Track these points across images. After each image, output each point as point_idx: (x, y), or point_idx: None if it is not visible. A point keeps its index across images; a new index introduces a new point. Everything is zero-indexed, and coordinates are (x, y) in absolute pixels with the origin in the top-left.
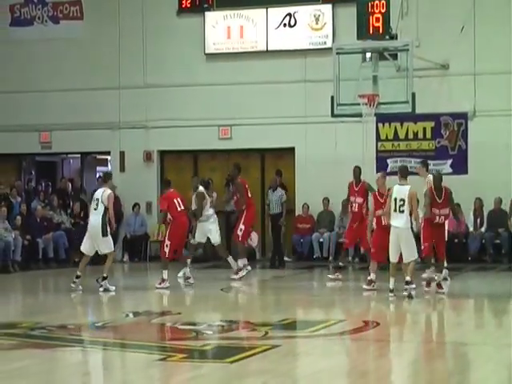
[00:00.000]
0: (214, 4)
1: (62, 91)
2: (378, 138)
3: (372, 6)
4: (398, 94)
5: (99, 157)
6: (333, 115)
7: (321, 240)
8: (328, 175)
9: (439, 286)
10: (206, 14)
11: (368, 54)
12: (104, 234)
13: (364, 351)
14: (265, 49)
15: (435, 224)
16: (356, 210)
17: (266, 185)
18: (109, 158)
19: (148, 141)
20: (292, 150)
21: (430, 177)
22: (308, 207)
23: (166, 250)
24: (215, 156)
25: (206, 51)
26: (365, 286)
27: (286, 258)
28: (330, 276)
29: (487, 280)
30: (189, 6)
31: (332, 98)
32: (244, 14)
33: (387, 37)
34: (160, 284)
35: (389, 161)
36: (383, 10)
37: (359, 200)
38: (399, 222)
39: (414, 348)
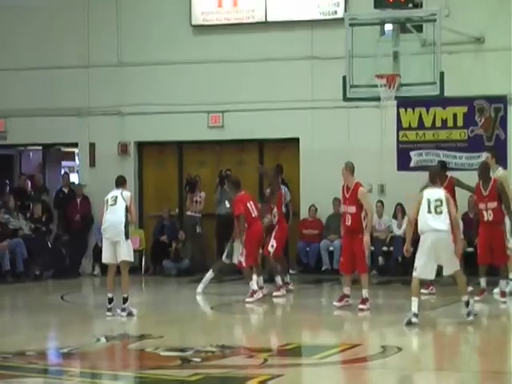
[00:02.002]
0: None
1: (17, 70)
2: (400, 127)
3: None
4: (423, 74)
5: (65, 149)
6: (345, 99)
7: (330, 249)
8: (339, 171)
9: (502, 294)
10: None
11: (387, 26)
12: (127, 235)
13: (383, 382)
14: (263, 19)
15: (486, 223)
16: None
17: (264, 182)
18: (76, 150)
19: (123, 130)
20: (296, 140)
21: (501, 170)
22: (315, 209)
23: (242, 259)
24: (204, 148)
25: (193, 22)
26: (335, 303)
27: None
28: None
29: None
30: None
31: (344, 78)
32: None
33: (410, 5)
34: (251, 296)
35: (412, 154)
36: None
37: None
38: (439, 224)
39: (442, 378)
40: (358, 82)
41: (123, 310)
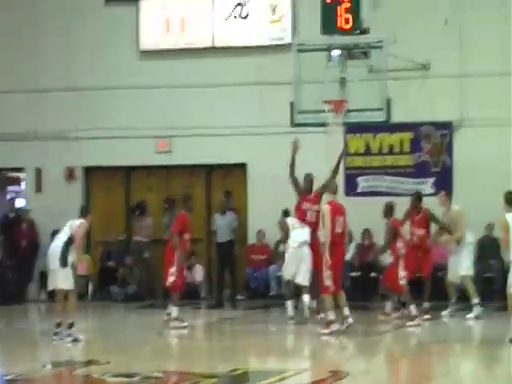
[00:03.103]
0: None
1: None
2: (347, 152)
3: None
4: (370, 100)
5: (10, 174)
6: (292, 124)
7: (279, 274)
8: (286, 196)
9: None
10: (141, 1)
11: (335, 52)
12: (63, 263)
13: None
14: (211, 45)
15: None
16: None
17: (212, 207)
18: (22, 175)
19: (70, 155)
20: (243, 166)
21: (456, 206)
22: (263, 234)
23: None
24: (151, 173)
25: (141, 47)
26: (324, 331)
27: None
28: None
29: (476, 321)
30: None
31: (291, 103)
32: (186, 3)
33: (357, 31)
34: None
35: (359, 179)
36: None
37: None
38: None
39: None
40: (306, 107)
41: (69, 335)
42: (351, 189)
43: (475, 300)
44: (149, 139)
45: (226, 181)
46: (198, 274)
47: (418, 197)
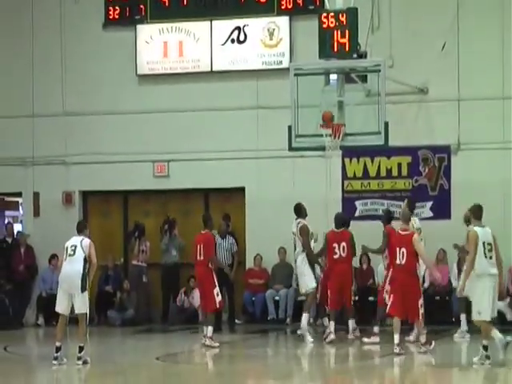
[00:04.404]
0: (148, 15)
1: None
2: (345, 176)
3: (337, 19)
4: (367, 124)
5: (8, 199)
6: (290, 149)
7: (276, 298)
8: (285, 220)
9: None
10: (138, 27)
11: (332, 76)
12: (83, 288)
13: None
14: (209, 69)
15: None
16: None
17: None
18: (20, 200)
19: (68, 179)
20: (242, 190)
21: (416, 220)
22: (261, 258)
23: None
24: (149, 197)
25: (139, 72)
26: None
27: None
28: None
29: (474, 346)
30: (117, 17)
31: (289, 128)
32: (184, 28)
33: (355, 55)
34: None
35: (357, 203)
36: (350, 24)
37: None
38: (495, 269)
39: None
40: (304, 131)
41: (79, 358)
42: (349, 213)
43: None
44: (146, 163)
45: (224, 205)
46: (196, 298)
47: (386, 213)
